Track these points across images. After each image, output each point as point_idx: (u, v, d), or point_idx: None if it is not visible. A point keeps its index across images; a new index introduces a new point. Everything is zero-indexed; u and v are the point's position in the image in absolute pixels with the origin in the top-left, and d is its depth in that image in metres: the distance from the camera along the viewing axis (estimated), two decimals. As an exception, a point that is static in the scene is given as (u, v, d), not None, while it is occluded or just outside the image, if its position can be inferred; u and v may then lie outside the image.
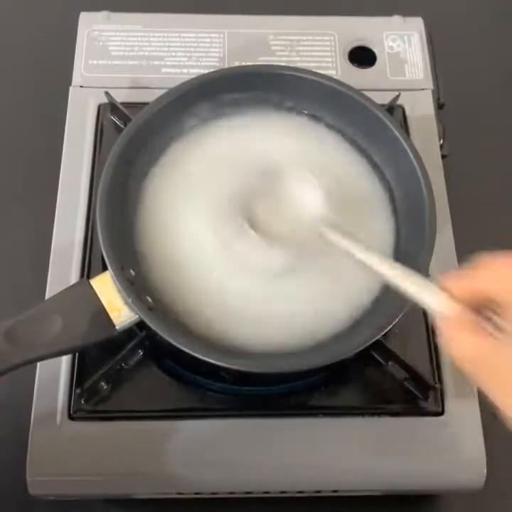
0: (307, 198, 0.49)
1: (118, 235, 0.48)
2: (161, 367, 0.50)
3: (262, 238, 0.49)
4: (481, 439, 0.48)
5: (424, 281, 0.40)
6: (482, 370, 0.35)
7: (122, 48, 0.62)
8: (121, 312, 0.45)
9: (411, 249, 0.50)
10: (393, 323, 0.45)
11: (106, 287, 0.45)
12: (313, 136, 0.55)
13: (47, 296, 0.50)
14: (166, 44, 0.63)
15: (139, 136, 0.51)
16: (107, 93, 0.58)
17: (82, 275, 0.52)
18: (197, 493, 0.49)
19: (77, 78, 0.61)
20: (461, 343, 0.36)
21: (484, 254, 0.36)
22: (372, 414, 0.49)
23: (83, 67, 0.61)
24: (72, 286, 0.46)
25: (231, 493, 0.49)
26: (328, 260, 0.50)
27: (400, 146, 0.52)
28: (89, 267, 0.53)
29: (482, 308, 0.36)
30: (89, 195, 0.55)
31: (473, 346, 0.35)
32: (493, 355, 0.34)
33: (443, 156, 0.59)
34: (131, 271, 0.47)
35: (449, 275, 0.38)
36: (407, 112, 0.60)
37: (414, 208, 0.50)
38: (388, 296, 0.48)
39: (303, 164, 0.53)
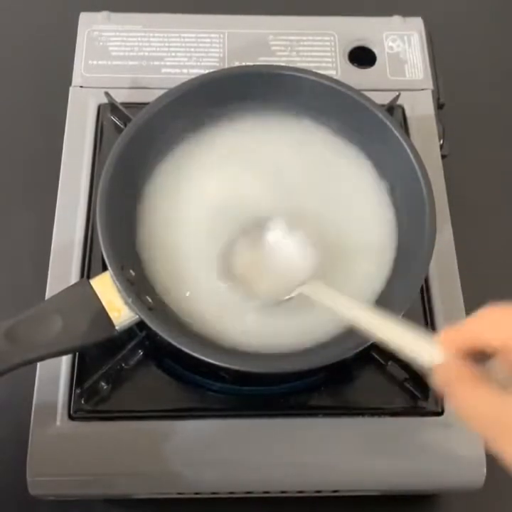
0: (294, 253, 0.48)
1: (118, 235, 0.48)
2: (161, 367, 0.50)
3: (237, 288, 0.48)
4: (481, 439, 0.48)
5: (417, 334, 0.37)
6: (489, 426, 0.33)
7: (122, 48, 0.62)
8: (121, 312, 0.45)
9: (411, 250, 0.50)
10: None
11: (106, 287, 0.45)
12: (311, 136, 0.55)
13: (47, 296, 0.50)
14: (166, 44, 0.63)
15: (139, 136, 0.51)
16: (107, 93, 0.58)
17: (82, 275, 0.52)
18: (197, 493, 0.49)
19: (77, 78, 0.61)
20: (465, 397, 0.33)
21: (485, 307, 0.34)
22: (372, 414, 0.49)
23: (83, 68, 0.61)
24: (72, 286, 0.46)
25: (231, 493, 0.49)
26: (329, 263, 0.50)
27: (400, 146, 0.51)
28: (89, 267, 0.53)
29: (483, 360, 0.34)
30: (89, 195, 0.55)
31: (478, 401, 0.33)
32: (501, 410, 0.32)
33: (443, 156, 0.59)
34: (131, 271, 0.47)
35: (444, 329, 0.36)
36: (407, 112, 0.60)
37: (414, 208, 0.50)
38: (387, 299, 0.49)
39: (300, 166, 0.54)
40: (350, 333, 0.48)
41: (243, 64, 0.61)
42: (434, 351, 0.36)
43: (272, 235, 0.49)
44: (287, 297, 0.47)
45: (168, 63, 0.62)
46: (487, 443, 0.33)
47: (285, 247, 0.49)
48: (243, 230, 0.49)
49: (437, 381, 0.35)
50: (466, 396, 0.33)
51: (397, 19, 0.65)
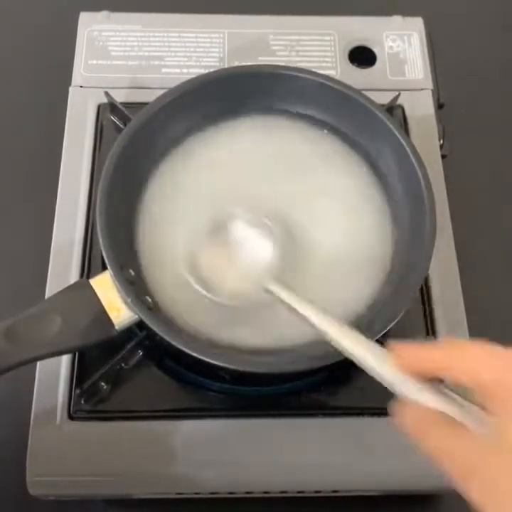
0: (257, 248, 0.48)
1: (118, 234, 0.48)
2: (161, 367, 0.50)
3: (204, 284, 0.48)
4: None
5: (383, 353, 0.36)
6: (460, 467, 0.32)
7: (122, 48, 0.62)
8: (120, 312, 0.45)
9: (411, 250, 0.50)
10: (392, 323, 0.45)
11: (106, 287, 0.45)
12: (311, 136, 0.55)
13: (47, 295, 0.50)
14: (166, 44, 0.63)
15: (139, 136, 0.51)
16: (106, 93, 0.58)
17: (81, 275, 0.52)
18: (197, 493, 0.49)
19: (77, 78, 0.61)
20: (438, 438, 0.33)
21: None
22: (372, 414, 0.49)
23: (83, 67, 0.61)
24: (71, 285, 0.46)
25: (231, 493, 0.49)
26: (326, 265, 0.50)
27: (400, 146, 0.51)
28: (89, 266, 0.53)
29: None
30: (89, 195, 0.55)
31: (454, 443, 0.32)
32: (477, 452, 0.31)
33: (443, 156, 0.59)
34: (131, 271, 0.47)
35: (403, 345, 0.35)
36: (407, 112, 0.60)
37: (414, 208, 0.50)
38: (388, 296, 0.49)
39: (298, 165, 0.54)
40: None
41: (243, 64, 0.61)
42: (405, 380, 0.35)
43: (233, 228, 0.49)
44: (255, 293, 0.46)
45: (168, 63, 0.62)
46: (456, 484, 0.33)
47: (248, 243, 0.49)
48: (209, 229, 0.49)
49: (402, 422, 0.35)
50: (439, 437, 0.33)
51: (397, 19, 0.65)
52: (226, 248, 0.49)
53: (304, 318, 0.42)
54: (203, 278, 0.48)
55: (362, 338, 0.39)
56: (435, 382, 0.35)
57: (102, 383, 0.49)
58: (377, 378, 0.37)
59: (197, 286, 0.48)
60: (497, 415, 0.31)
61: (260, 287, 0.46)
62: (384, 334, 0.46)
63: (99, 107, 0.59)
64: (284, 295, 0.44)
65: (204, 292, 0.48)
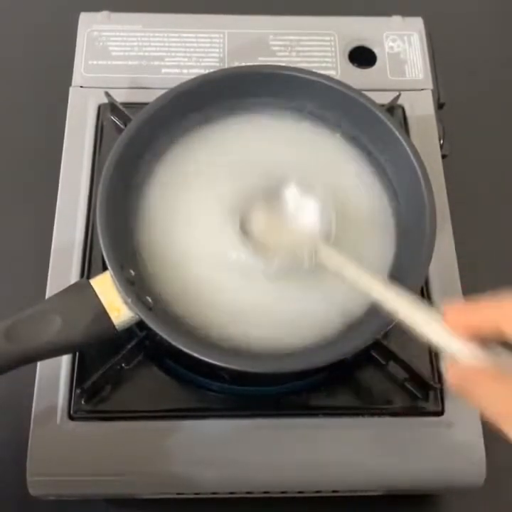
0: (308, 212, 0.48)
1: (118, 235, 0.48)
2: (161, 367, 0.50)
3: (254, 248, 0.48)
4: (481, 439, 0.48)
5: (433, 315, 0.37)
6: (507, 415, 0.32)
7: (122, 48, 0.62)
8: (121, 312, 0.45)
9: (411, 250, 0.50)
10: (393, 323, 0.45)
11: (106, 287, 0.45)
12: (311, 136, 0.55)
13: (47, 295, 0.50)
14: (166, 44, 0.63)
15: (139, 136, 0.51)
16: (107, 93, 0.58)
17: (82, 275, 0.52)
18: (197, 493, 0.49)
19: (77, 78, 0.61)
20: (492, 395, 0.33)
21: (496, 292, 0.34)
22: (372, 414, 0.49)
23: (83, 68, 0.61)
24: (72, 285, 0.46)
25: (231, 493, 0.49)
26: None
27: (400, 146, 0.51)
28: (89, 267, 0.53)
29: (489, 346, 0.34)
30: (89, 195, 0.55)
31: (507, 398, 0.32)
32: None
33: (443, 156, 0.59)
34: (131, 271, 0.47)
35: (456, 307, 0.36)
36: (407, 112, 0.60)
37: (414, 208, 0.50)
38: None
39: (300, 166, 0.54)
40: (351, 331, 0.48)
41: (243, 64, 0.62)
42: (455, 341, 0.35)
43: (287, 195, 0.49)
44: (302, 263, 0.46)
45: (168, 63, 0.62)
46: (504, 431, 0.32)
47: (300, 211, 0.49)
48: (258, 197, 0.49)
49: (451, 380, 0.35)
50: (492, 394, 0.33)
51: (397, 19, 0.65)
52: (278, 213, 0.49)
53: (352, 281, 0.43)
54: (253, 241, 0.48)
55: (411, 298, 0.39)
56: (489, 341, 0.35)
57: (103, 383, 0.49)
58: (426, 338, 0.37)
59: (248, 249, 0.48)
60: None
61: (312, 251, 0.46)
62: (385, 334, 0.46)
63: (99, 107, 0.59)
64: (335, 257, 0.45)
65: (253, 255, 0.48)
